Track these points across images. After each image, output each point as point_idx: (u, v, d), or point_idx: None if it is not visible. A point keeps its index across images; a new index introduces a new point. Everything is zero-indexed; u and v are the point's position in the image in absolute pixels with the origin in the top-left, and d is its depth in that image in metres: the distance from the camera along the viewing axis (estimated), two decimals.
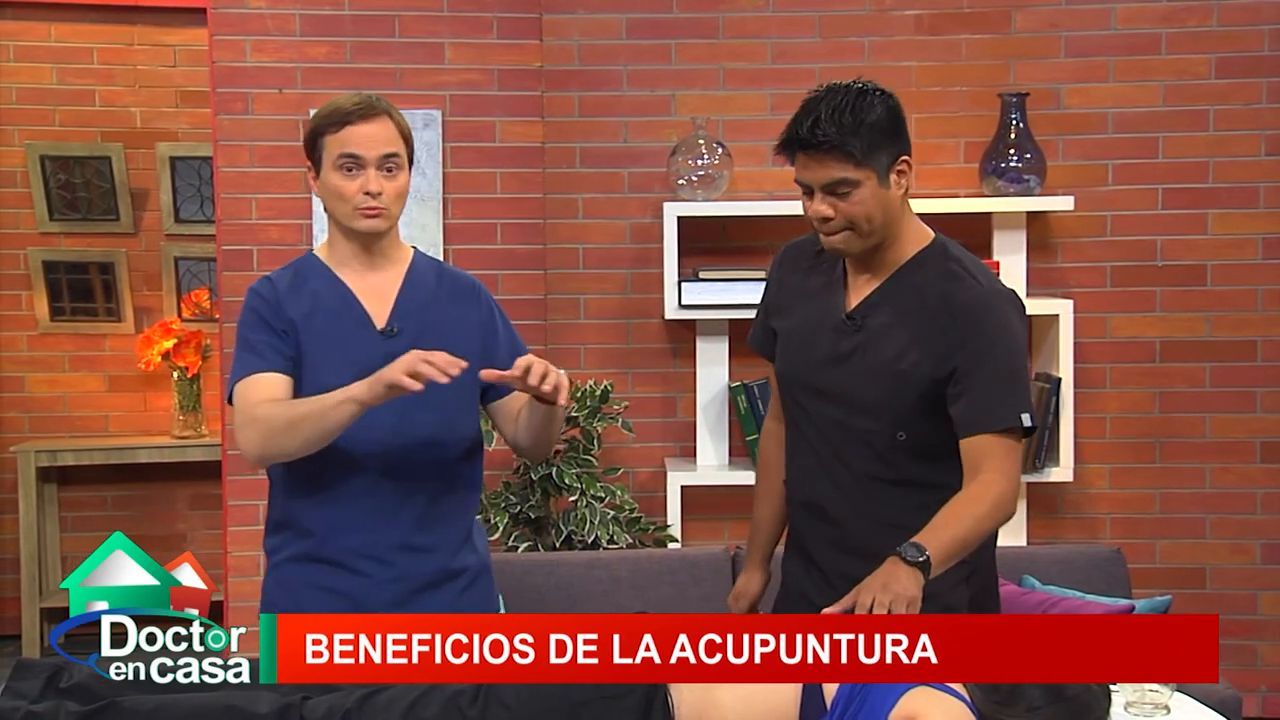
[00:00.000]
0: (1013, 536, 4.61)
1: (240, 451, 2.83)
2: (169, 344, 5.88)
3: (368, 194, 2.77)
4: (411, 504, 2.85)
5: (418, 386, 2.59)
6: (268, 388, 2.80)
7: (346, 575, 2.84)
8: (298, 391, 2.82)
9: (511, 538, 4.45)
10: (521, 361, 2.69)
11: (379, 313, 2.86)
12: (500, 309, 3.00)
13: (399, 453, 2.82)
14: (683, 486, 4.72)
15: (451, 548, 2.90)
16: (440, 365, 2.59)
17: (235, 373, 2.86)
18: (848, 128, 2.64)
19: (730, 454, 4.87)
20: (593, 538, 4.42)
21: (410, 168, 2.85)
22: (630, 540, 4.50)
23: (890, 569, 2.53)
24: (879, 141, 2.67)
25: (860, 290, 2.80)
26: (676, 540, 4.61)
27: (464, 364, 2.63)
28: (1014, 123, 4.74)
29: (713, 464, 4.82)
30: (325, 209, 2.86)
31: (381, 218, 2.80)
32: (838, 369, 2.77)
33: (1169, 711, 2.93)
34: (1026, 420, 2.69)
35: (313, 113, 2.92)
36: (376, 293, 2.86)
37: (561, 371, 2.72)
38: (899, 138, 2.71)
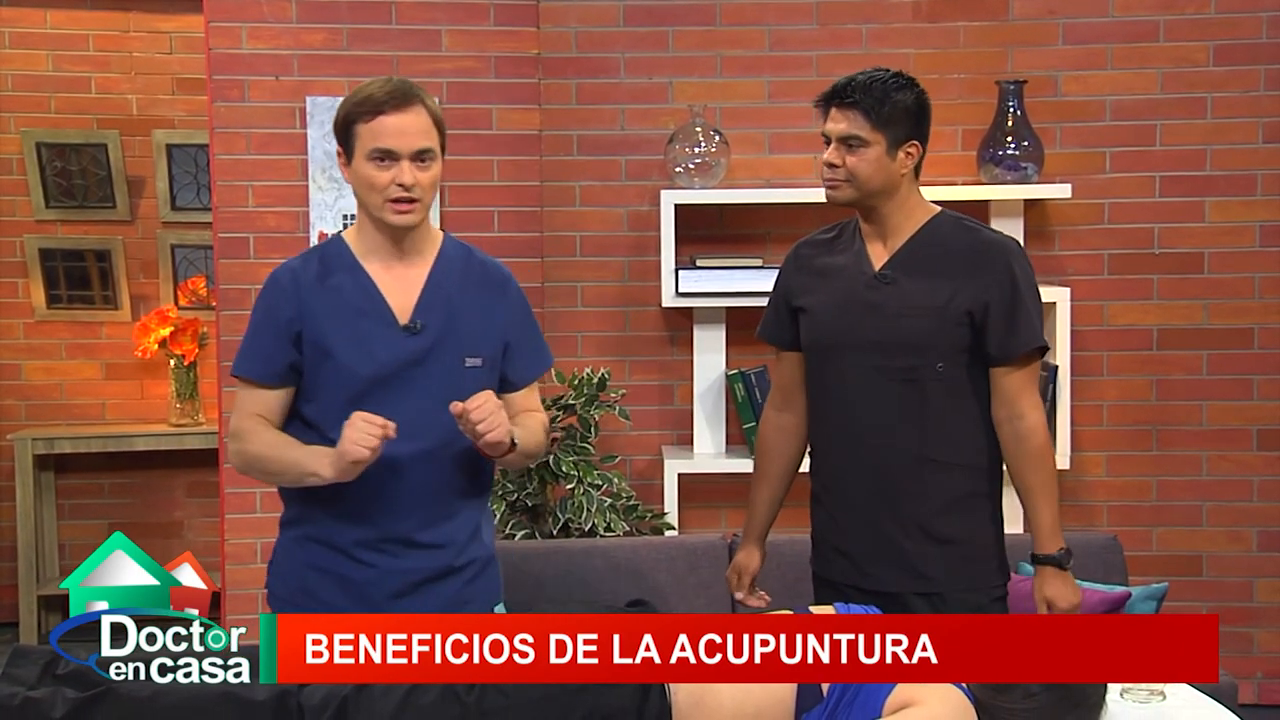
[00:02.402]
0: (1009, 524, 4.58)
1: None
2: (166, 332, 5.87)
3: (400, 185, 2.75)
4: (421, 503, 2.85)
5: (371, 457, 2.67)
6: (259, 402, 2.84)
7: (351, 564, 2.84)
8: (321, 385, 2.81)
9: (509, 525, 4.45)
10: (457, 407, 2.73)
11: (403, 307, 2.84)
12: (530, 312, 3.00)
13: (414, 454, 2.81)
14: (680, 474, 4.72)
15: (459, 545, 2.90)
16: (378, 425, 2.67)
17: (238, 361, 2.87)
18: (875, 95, 3.04)
19: (727, 442, 4.87)
20: (590, 525, 4.42)
21: (443, 155, 2.83)
22: (627, 528, 4.50)
23: (1052, 587, 3.08)
24: (898, 118, 3.05)
25: (881, 255, 3.13)
26: (673, 528, 4.61)
27: (391, 426, 2.67)
28: (1011, 110, 4.74)
29: (709, 452, 4.82)
30: (356, 197, 2.83)
31: (414, 212, 2.79)
32: (875, 318, 3.09)
33: (1164, 698, 2.94)
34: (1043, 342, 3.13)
35: (343, 97, 2.89)
36: (402, 286, 2.85)
37: (501, 423, 2.74)
38: (917, 125, 3.09)
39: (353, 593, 2.83)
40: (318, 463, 2.73)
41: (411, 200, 2.76)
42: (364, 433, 2.66)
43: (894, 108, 3.04)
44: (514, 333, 2.94)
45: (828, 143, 3.09)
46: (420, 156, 2.77)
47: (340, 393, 2.79)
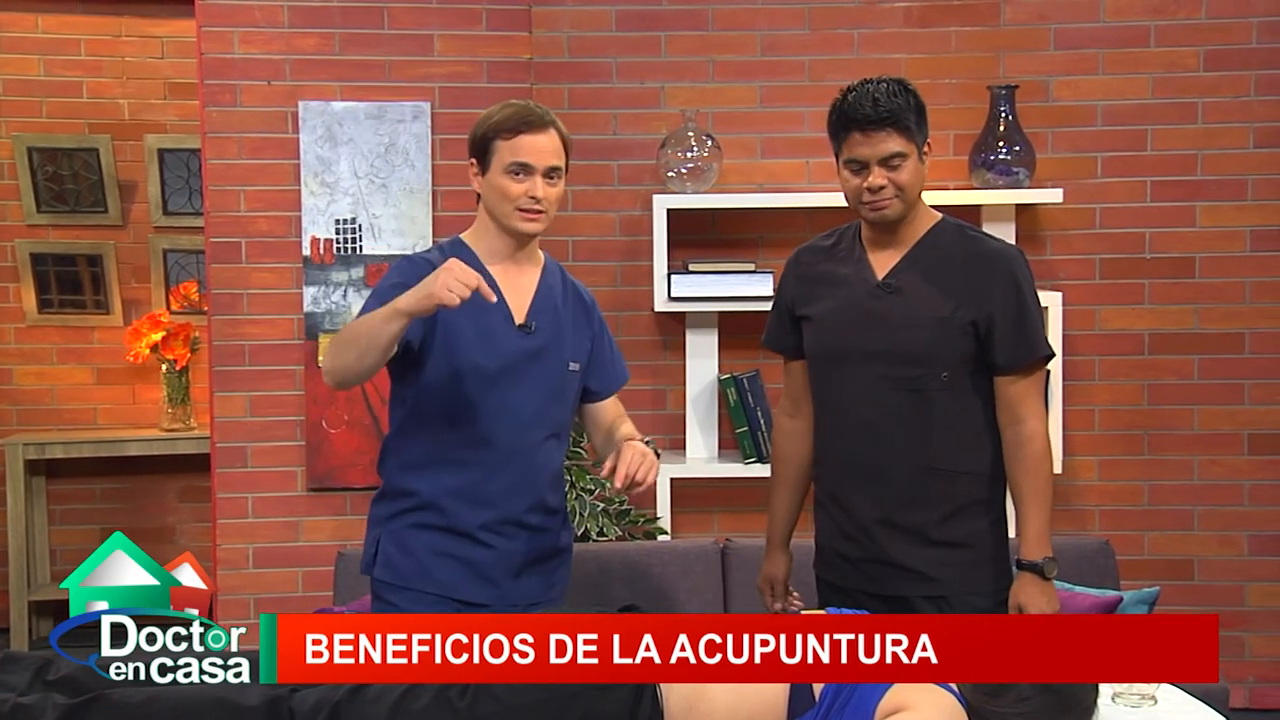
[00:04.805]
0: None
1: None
2: (157, 336, 5.87)
3: (532, 197, 3.03)
4: (531, 488, 3.10)
5: (456, 301, 2.74)
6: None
7: (473, 545, 3.05)
8: (433, 365, 3.03)
9: None
10: (609, 466, 2.96)
11: (519, 308, 3.10)
12: (609, 333, 3.29)
13: (525, 442, 3.07)
14: (672, 479, 4.73)
15: (556, 529, 3.17)
16: (473, 277, 2.76)
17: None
18: (903, 105, 3.02)
19: (719, 446, 4.87)
20: (583, 530, 4.42)
21: (566, 175, 3.12)
22: (620, 533, 4.51)
23: (1027, 594, 3.03)
24: (920, 122, 3.05)
25: (884, 264, 3.12)
26: (666, 532, 4.62)
27: (491, 295, 2.81)
28: (1003, 115, 4.75)
29: (702, 456, 4.83)
30: (485, 205, 3.10)
31: (539, 220, 3.07)
32: (879, 328, 3.08)
33: (1156, 702, 2.94)
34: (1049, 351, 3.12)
35: (482, 114, 3.11)
36: (517, 289, 3.11)
37: (651, 462, 2.96)
38: (926, 124, 3.08)
39: (474, 572, 3.05)
40: (395, 304, 2.82)
41: (539, 211, 3.05)
42: (460, 281, 2.75)
43: (916, 112, 3.03)
44: (598, 346, 3.22)
45: (859, 169, 3.03)
46: (550, 173, 3.05)
47: (459, 373, 3.04)
